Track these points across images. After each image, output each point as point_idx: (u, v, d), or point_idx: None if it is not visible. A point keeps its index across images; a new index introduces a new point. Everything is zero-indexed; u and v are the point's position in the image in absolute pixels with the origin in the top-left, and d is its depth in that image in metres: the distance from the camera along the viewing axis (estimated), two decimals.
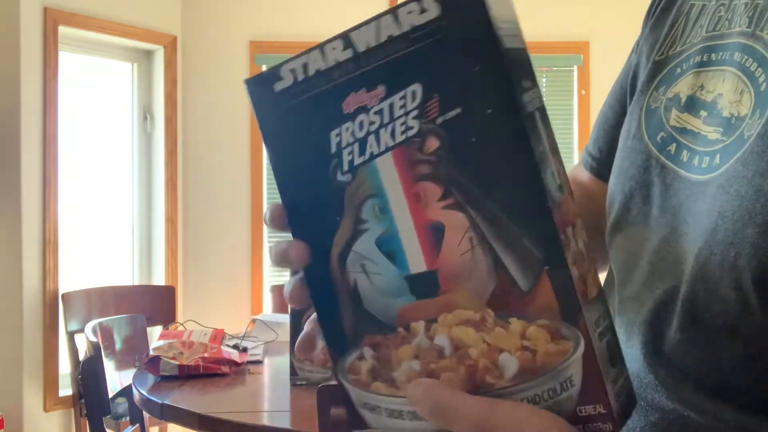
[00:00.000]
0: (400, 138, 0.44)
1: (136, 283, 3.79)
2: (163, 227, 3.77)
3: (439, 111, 0.43)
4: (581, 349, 0.43)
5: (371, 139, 0.45)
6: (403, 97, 0.44)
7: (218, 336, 2.06)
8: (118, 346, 2.61)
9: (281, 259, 0.48)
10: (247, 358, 2.00)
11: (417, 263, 0.45)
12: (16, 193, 3.18)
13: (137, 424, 2.55)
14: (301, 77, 0.46)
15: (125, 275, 3.78)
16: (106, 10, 3.51)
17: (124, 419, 2.82)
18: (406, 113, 0.44)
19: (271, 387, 1.84)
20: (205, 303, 3.83)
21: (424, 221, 0.45)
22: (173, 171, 3.80)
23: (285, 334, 1.92)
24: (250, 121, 3.90)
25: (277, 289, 3.40)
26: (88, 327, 2.62)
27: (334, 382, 0.59)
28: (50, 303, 3.26)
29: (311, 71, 0.46)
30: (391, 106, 0.44)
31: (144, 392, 1.73)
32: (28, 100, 3.21)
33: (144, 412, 2.31)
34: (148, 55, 3.83)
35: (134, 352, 2.49)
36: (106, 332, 2.53)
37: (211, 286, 3.87)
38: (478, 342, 0.44)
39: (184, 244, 3.86)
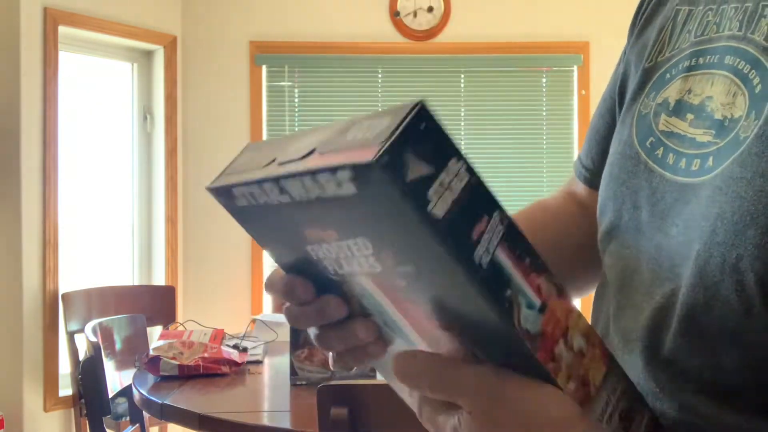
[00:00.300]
0: (368, 269, 0.44)
1: (136, 283, 3.79)
2: (163, 227, 3.77)
3: (395, 263, 0.42)
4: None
5: (344, 262, 0.44)
6: (356, 243, 0.43)
7: (218, 336, 2.06)
8: (118, 346, 2.61)
9: (288, 292, 0.49)
10: (247, 358, 2.01)
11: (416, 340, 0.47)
12: (16, 193, 3.18)
13: (137, 424, 2.55)
14: (254, 203, 0.44)
15: (125, 275, 3.78)
16: (106, 10, 3.51)
17: (124, 419, 2.82)
18: (366, 256, 0.43)
19: (271, 387, 1.84)
20: (205, 303, 3.83)
21: (425, 333, 0.46)
22: (173, 171, 3.80)
23: (285, 334, 1.92)
24: (249, 121, 3.90)
25: None
26: (88, 327, 2.61)
27: (334, 382, 0.61)
28: (50, 303, 3.26)
29: (261, 201, 0.44)
30: (348, 246, 0.43)
31: (144, 392, 1.73)
32: (28, 100, 3.21)
33: (144, 412, 2.31)
34: (148, 55, 3.83)
35: (134, 352, 2.49)
36: (106, 332, 2.53)
37: (211, 286, 3.87)
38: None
39: (184, 244, 3.86)
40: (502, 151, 3.96)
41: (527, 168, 3.95)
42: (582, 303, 3.92)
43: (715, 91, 0.53)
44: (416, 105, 0.38)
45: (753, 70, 0.51)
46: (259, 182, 0.43)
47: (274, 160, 0.43)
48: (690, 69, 0.56)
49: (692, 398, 0.50)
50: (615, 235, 0.61)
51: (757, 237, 0.45)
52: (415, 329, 0.46)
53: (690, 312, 0.49)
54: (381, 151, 0.36)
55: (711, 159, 0.51)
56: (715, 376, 0.48)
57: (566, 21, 3.96)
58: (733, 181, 0.48)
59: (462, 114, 3.96)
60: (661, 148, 0.56)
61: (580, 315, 0.46)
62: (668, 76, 0.58)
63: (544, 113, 3.97)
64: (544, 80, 3.99)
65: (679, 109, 0.56)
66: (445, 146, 0.39)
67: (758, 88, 0.50)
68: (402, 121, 0.37)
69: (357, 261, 0.44)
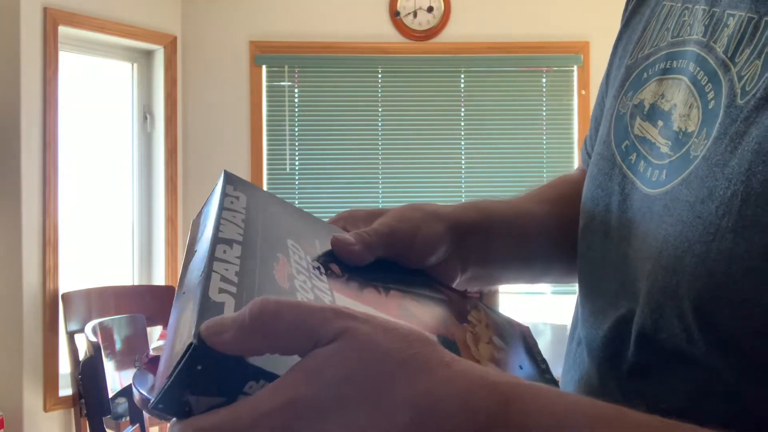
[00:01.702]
0: (323, 277, 0.47)
1: (136, 283, 3.79)
2: (163, 227, 3.77)
3: (312, 247, 0.49)
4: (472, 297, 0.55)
5: (317, 291, 0.45)
6: (294, 251, 0.47)
7: None
8: (118, 346, 2.61)
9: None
10: None
11: None
12: (16, 193, 3.18)
13: (137, 424, 2.55)
14: (233, 289, 0.40)
15: (125, 275, 3.78)
16: (106, 10, 3.51)
17: (124, 419, 2.82)
18: (306, 260, 0.48)
19: None
20: None
21: (394, 313, 0.48)
22: (173, 171, 3.80)
23: None
24: (249, 121, 3.90)
25: None
26: (88, 327, 2.62)
27: None
28: (50, 303, 3.26)
29: (234, 278, 0.40)
30: (296, 262, 0.46)
31: (144, 392, 1.72)
32: (28, 100, 3.21)
33: (144, 412, 2.31)
34: (148, 55, 3.83)
35: (134, 352, 2.49)
36: (106, 332, 2.53)
37: None
38: (488, 347, 0.52)
39: (184, 244, 3.86)
40: (502, 151, 3.96)
41: (527, 168, 3.95)
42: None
43: (678, 100, 0.51)
44: (188, 348, 0.33)
45: (710, 83, 0.48)
46: (212, 256, 0.41)
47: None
48: (664, 72, 0.54)
49: None
50: (585, 236, 0.60)
51: (693, 265, 0.44)
52: (393, 318, 0.46)
53: (642, 331, 0.48)
54: (157, 399, 0.34)
55: (664, 172, 0.50)
56: (667, 397, 0.47)
57: (566, 21, 3.97)
58: (678, 203, 0.46)
59: (462, 114, 3.96)
60: (635, 154, 0.54)
61: (475, 340, 0.51)
62: (645, 75, 0.56)
63: (544, 113, 3.97)
64: (544, 80, 3.99)
65: (652, 113, 0.54)
66: (240, 373, 0.34)
67: (711, 104, 0.47)
68: (176, 367, 0.34)
69: (313, 275, 0.47)
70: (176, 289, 0.45)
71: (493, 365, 0.50)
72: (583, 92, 3.96)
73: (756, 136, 0.42)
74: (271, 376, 0.34)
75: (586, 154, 0.74)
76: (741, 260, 0.41)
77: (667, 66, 0.54)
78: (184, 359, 0.33)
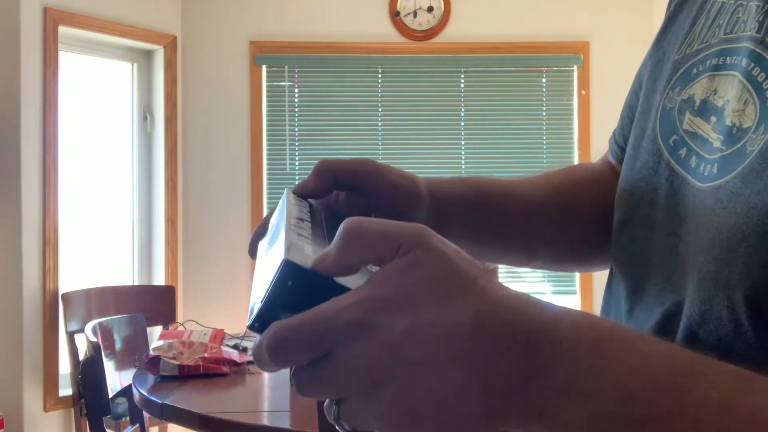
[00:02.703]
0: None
1: (136, 283, 3.79)
2: (163, 227, 3.77)
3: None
4: None
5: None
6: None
7: (218, 336, 2.06)
8: (118, 346, 2.61)
9: None
10: (247, 358, 2.00)
11: None
12: (16, 193, 3.18)
13: (137, 424, 2.55)
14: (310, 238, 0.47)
15: (125, 275, 3.78)
16: (106, 10, 3.51)
17: (124, 419, 2.82)
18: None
19: (271, 387, 1.84)
20: (205, 303, 3.84)
21: None
22: (173, 171, 3.80)
23: None
24: (249, 121, 3.90)
25: None
26: (88, 327, 2.61)
27: None
28: (50, 303, 3.26)
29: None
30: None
31: (144, 392, 1.73)
32: (28, 100, 3.21)
33: (144, 412, 2.31)
34: (148, 55, 3.83)
35: (134, 352, 2.49)
36: (106, 332, 2.53)
37: (211, 286, 3.87)
38: None
39: (184, 244, 3.86)
40: (502, 151, 3.96)
41: (527, 168, 3.94)
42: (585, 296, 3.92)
43: (731, 96, 0.51)
44: (280, 265, 0.38)
45: (767, 80, 0.48)
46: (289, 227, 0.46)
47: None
48: (716, 68, 0.54)
49: None
50: (626, 229, 0.60)
51: (746, 255, 0.45)
52: None
53: (689, 323, 0.49)
54: (254, 317, 0.40)
55: (716, 167, 0.50)
56: None
57: (566, 21, 3.96)
58: (733, 196, 0.47)
59: (462, 114, 3.96)
60: (684, 149, 0.55)
61: None
62: (695, 71, 0.56)
63: (544, 113, 3.97)
64: (544, 80, 3.99)
65: (704, 109, 0.54)
66: (327, 292, 0.38)
67: None
68: (270, 284, 0.38)
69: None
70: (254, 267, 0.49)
71: None
72: (583, 92, 3.96)
73: None
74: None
75: (617, 146, 0.73)
76: None
77: (719, 62, 0.54)
78: (277, 274, 0.38)
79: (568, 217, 0.67)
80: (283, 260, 0.38)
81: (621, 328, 0.38)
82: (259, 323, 0.39)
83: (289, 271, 0.38)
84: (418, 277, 0.36)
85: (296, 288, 0.38)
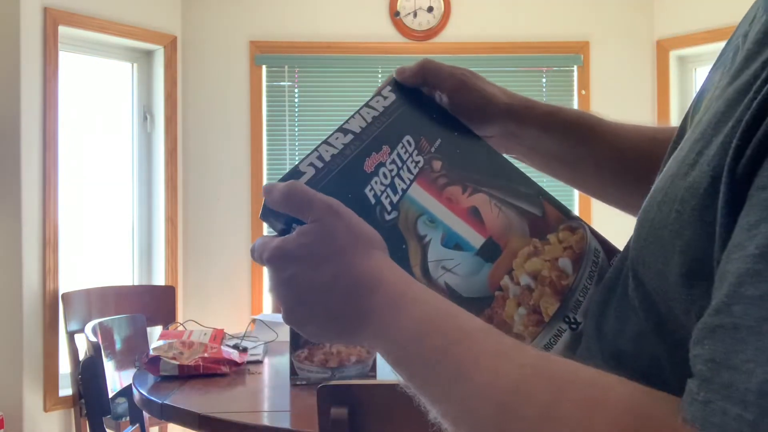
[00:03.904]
0: (415, 171, 0.62)
1: (136, 283, 3.79)
2: (163, 227, 3.77)
3: (429, 144, 0.64)
4: (587, 227, 0.66)
5: (396, 180, 0.60)
6: (403, 146, 0.63)
7: (218, 336, 2.06)
8: (118, 346, 2.60)
9: None
10: (247, 358, 2.00)
11: (476, 240, 0.61)
12: (16, 193, 3.18)
13: (137, 424, 2.55)
14: (320, 165, 0.59)
15: (125, 275, 3.78)
16: (106, 10, 3.51)
17: (124, 419, 2.82)
18: (410, 154, 0.62)
19: (271, 387, 1.84)
20: (205, 303, 3.84)
21: (463, 211, 0.62)
22: (173, 171, 3.80)
23: (285, 334, 1.92)
24: (249, 121, 3.90)
25: None
26: (88, 327, 2.61)
27: (334, 382, 0.72)
28: (50, 303, 3.26)
29: (327, 158, 0.60)
30: (398, 155, 0.62)
31: (144, 392, 1.73)
32: (28, 100, 3.21)
33: (144, 412, 2.31)
34: (148, 55, 3.83)
35: (134, 352, 2.49)
36: (106, 332, 2.53)
37: (211, 286, 3.87)
38: (543, 264, 0.61)
39: (184, 244, 3.86)
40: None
41: (526, 167, 3.94)
42: None
43: None
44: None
45: None
46: (326, 140, 0.60)
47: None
48: None
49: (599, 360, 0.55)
50: None
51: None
52: (456, 213, 0.61)
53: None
54: (260, 213, 0.58)
55: None
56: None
57: (566, 21, 3.96)
58: None
59: None
60: None
61: (528, 257, 0.62)
62: None
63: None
64: (544, 80, 3.99)
65: None
66: (288, 218, 0.59)
67: None
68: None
69: (406, 167, 0.62)
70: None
71: (531, 278, 0.61)
72: (583, 92, 3.96)
73: None
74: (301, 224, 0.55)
75: None
76: None
77: None
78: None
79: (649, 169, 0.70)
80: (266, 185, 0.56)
81: (412, 291, 0.53)
82: (263, 217, 0.58)
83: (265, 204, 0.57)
84: (308, 242, 0.54)
85: (273, 210, 0.57)
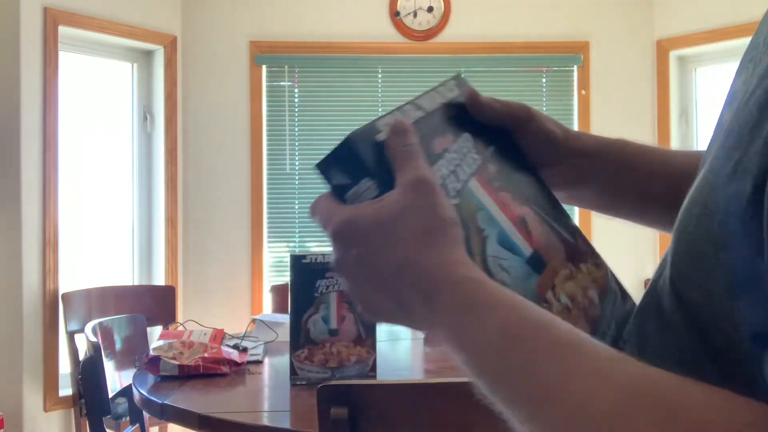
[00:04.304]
0: (474, 167, 0.61)
1: (136, 283, 3.79)
2: (163, 227, 3.77)
3: (484, 148, 0.64)
4: (609, 267, 0.67)
5: (459, 169, 0.60)
6: (463, 140, 0.63)
7: (218, 336, 2.06)
8: (118, 346, 2.60)
9: None
10: (247, 358, 2.00)
11: (525, 248, 0.61)
12: (16, 193, 3.18)
13: (137, 424, 2.55)
14: None
15: (125, 275, 3.78)
16: (106, 10, 3.51)
17: (124, 419, 2.82)
18: (469, 150, 0.63)
19: (271, 387, 1.84)
20: (205, 303, 3.84)
21: (514, 218, 0.61)
22: (173, 171, 3.80)
23: (285, 334, 1.92)
24: (249, 121, 3.90)
25: (277, 289, 3.40)
26: (88, 327, 2.61)
27: (334, 382, 0.70)
28: (50, 303, 3.26)
29: (411, 118, 0.60)
30: (459, 147, 0.62)
31: (144, 392, 1.73)
32: (28, 100, 3.21)
33: (144, 412, 2.31)
34: (148, 55, 3.83)
35: (134, 352, 2.49)
36: (106, 332, 2.53)
37: (211, 286, 3.87)
38: (578, 289, 0.62)
39: (184, 244, 3.86)
40: None
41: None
42: None
43: None
44: (346, 138, 0.54)
45: None
46: (401, 107, 0.60)
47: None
48: None
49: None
50: None
51: None
52: (508, 218, 0.61)
53: None
54: (319, 162, 0.54)
55: None
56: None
57: (566, 21, 3.96)
58: None
59: None
60: None
61: (566, 279, 0.62)
62: None
63: (544, 113, 3.96)
64: (544, 80, 3.99)
65: None
66: (362, 170, 0.55)
67: None
68: (334, 148, 0.54)
69: (466, 161, 0.61)
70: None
71: (569, 299, 0.61)
72: (583, 92, 3.96)
73: None
74: (379, 180, 0.53)
75: None
76: None
77: None
78: (341, 142, 0.53)
79: None
80: (347, 136, 0.53)
81: (492, 293, 0.48)
82: (320, 169, 0.55)
83: (348, 143, 0.53)
84: (387, 217, 0.50)
85: (345, 157, 0.53)
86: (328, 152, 0.53)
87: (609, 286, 0.66)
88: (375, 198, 0.52)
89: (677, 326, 0.46)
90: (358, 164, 0.53)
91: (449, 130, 0.62)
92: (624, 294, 0.67)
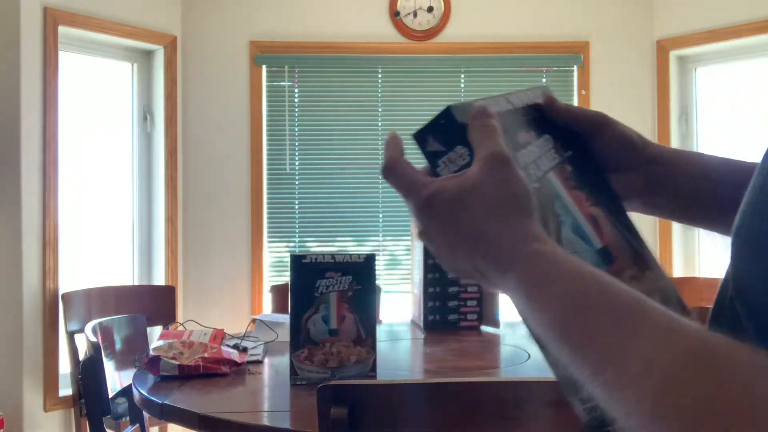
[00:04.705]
0: (552, 163, 0.66)
1: (136, 283, 3.79)
2: (163, 227, 3.78)
3: (563, 151, 0.68)
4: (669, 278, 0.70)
5: (540, 161, 0.64)
6: (544, 140, 0.67)
7: (218, 336, 2.06)
8: (118, 346, 2.60)
9: None
10: (247, 358, 2.00)
11: (596, 241, 0.64)
12: (16, 193, 3.18)
13: (137, 424, 2.55)
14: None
15: (125, 275, 3.78)
16: (106, 10, 3.51)
17: (124, 419, 2.82)
18: (549, 149, 0.67)
19: (271, 387, 1.84)
20: (205, 303, 3.84)
21: (586, 214, 0.65)
22: (173, 171, 3.80)
23: (285, 334, 1.92)
24: (249, 121, 3.90)
25: (277, 289, 3.40)
26: (88, 327, 2.61)
27: (334, 382, 0.72)
28: (50, 303, 3.26)
29: (492, 111, 0.63)
30: (540, 144, 0.67)
31: (144, 392, 1.73)
32: (28, 100, 3.21)
33: (144, 412, 2.31)
34: (148, 55, 3.83)
35: (134, 352, 2.49)
36: (106, 332, 2.53)
37: (211, 286, 3.87)
38: (642, 291, 0.62)
39: (184, 244, 3.86)
40: None
41: None
42: None
43: None
44: (445, 108, 0.62)
45: None
46: (494, 97, 0.65)
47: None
48: None
49: None
50: None
51: None
52: (581, 212, 0.65)
53: None
54: (418, 130, 0.62)
55: None
56: None
57: (566, 21, 3.97)
58: None
59: None
60: None
61: (631, 280, 0.64)
62: None
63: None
64: (544, 80, 3.99)
65: None
66: (457, 138, 0.61)
67: None
68: (433, 118, 0.62)
69: (546, 157, 0.66)
70: None
71: None
72: (583, 92, 3.96)
73: None
74: (471, 148, 0.58)
75: None
76: None
77: None
78: (440, 111, 0.60)
79: None
80: (447, 107, 0.60)
81: (564, 263, 0.52)
82: (417, 137, 0.63)
83: (445, 114, 0.60)
84: (476, 183, 0.55)
85: (442, 126, 0.61)
86: (426, 122, 0.61)
87: (671, 298, 0.67)
88: (465, 165, 0.58)
89: (749, 337, 0.45)
90: (452, 133, 0.60)
91: (533, 129, 0.67)
92: (685, 310, 0.68)
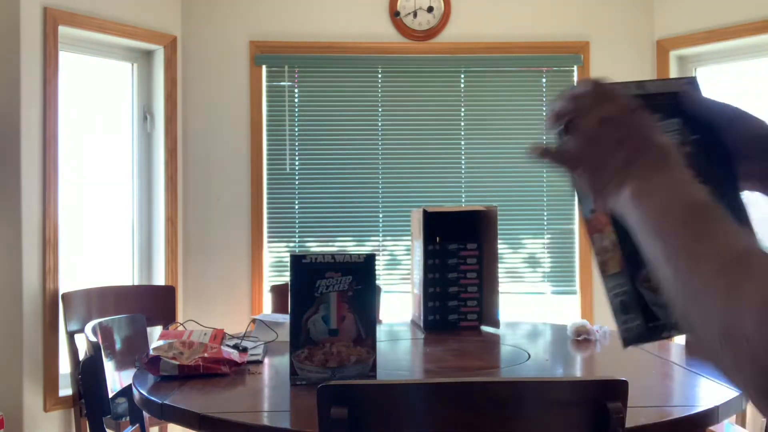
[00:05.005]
0: (674, 141, 0.74)
1: (136, 283, 3.79)
2: (163, 227, 3.78)
3: (690, 134, 0.77)
4: None
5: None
6: (669, 123, 0.77)
7: (218, 336, 2.06)
8: (118, 346, 2.60)
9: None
10: (247, 358, 2.00)
11: None
12: (16, 193, 3.18)
13: (137, 424, 2.55)
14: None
15: (125, 275, 3.78)
16: (106, 10, 3.51)
17: (124, 419, 2.82)
18: (671, 131, 0.76)
19: (271, 387, 1.84)
20: (205, 303, 3.84)
21: None
22: (173, 171, 3.80)
23: (285, 334, 1.92)
24: (249, 121, 3.90)
25: (277, 289, 3.40)
26: (88, 327, 2.61)
27: (334, 382, 0.72)
28: (50, 303, 3.26)
29: (631, 92, 0.74)
30: (666, 124, 0.76)
31: (144, 392, 1.72)
32: (28, 100, 3.21)
33: (144, 412, 2.31)
34: (148, 55, 3.83)
35: (134, 352, 2.49)
36: (106, 332, 2.53)
37: (211, 286, 3.87)
38: None
39: (184, 244, 3.86)
40: (502, 151, 3.96)
41: (527, 168, 3.95)
42: None
43: None
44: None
45: None
46: (630, 82, 0.77)
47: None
48: None
49: None
50: None
51: None
52: None
53: None
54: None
55: None
56: None
57: (566, 21, 3.97)
58: None
59: (462, 114, 3.96)
60: None
61: (612, 227, 0.73)
62: None
63: (544, 113, 3.96)
64: (544, 80, 3.99)
65: None
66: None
67: None
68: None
69: (672, 135, 0.75)
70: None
71: None
72: None
73: None
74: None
75: None
76: None
77: None
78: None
79: None
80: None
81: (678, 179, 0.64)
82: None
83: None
84: (635, 109, 0.69)
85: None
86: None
87: None
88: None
89: None
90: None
91: (662, 111, 0.76)
92: None
